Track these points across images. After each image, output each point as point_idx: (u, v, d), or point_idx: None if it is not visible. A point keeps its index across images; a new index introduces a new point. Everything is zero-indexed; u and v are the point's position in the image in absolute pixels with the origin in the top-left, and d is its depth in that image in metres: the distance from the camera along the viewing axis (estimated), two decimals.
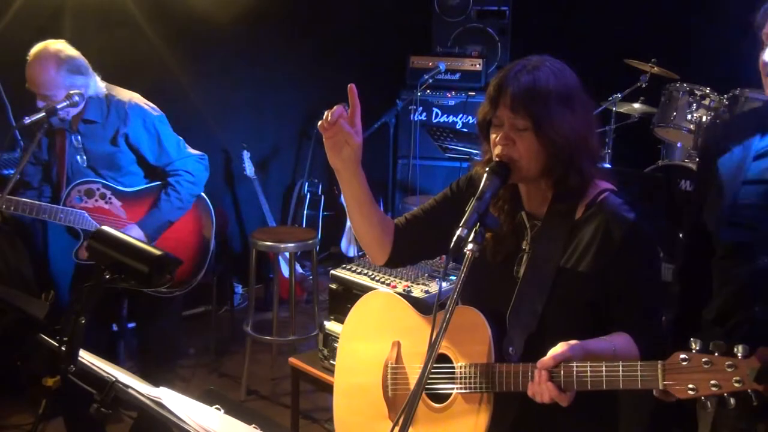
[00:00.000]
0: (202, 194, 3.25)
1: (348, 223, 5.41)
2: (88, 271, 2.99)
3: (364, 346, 2.06)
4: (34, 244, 3.61)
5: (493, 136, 1.76)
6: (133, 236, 2.93)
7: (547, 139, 1.69)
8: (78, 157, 3.03)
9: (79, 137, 3.02)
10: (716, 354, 1.41)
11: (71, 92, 2.93)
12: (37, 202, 2.94)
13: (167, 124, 3.12)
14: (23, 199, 2.89)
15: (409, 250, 2.02)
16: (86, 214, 3.00)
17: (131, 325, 3.98)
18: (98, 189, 3.02)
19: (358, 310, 2.14)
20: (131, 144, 3.03)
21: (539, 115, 1.68)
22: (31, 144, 2.89)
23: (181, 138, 3.17)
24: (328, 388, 2.16)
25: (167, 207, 3.07)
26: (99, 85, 3.04)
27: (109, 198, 3.04)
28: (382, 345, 2.00)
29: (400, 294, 2.07)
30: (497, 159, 1.74)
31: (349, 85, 1.77)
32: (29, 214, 2.91)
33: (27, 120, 2.84)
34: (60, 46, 2.93)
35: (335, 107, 1.77)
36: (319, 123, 1.79)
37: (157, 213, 3.06)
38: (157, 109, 3.12)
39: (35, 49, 2.91)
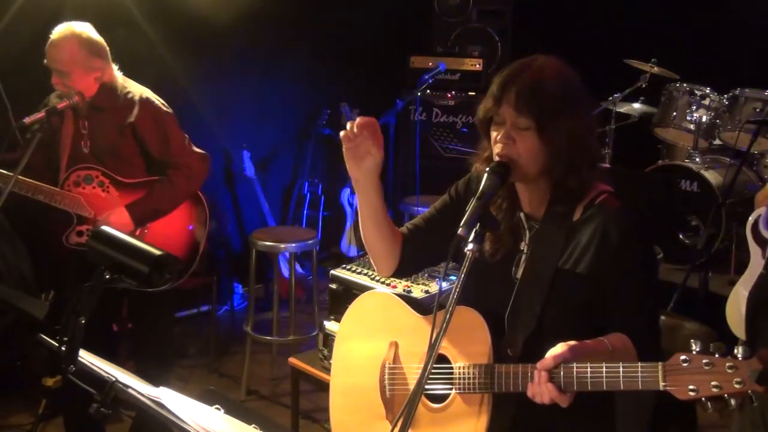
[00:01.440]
0: (200, 193, 3.25)
1: (348, 223, 5.41)
2: (78, 256, 3.00)
3: (361, 346, 2.06)
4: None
5: (493, 134, 1.77)
6: (118, 219, 2.97)
7: (548, 140, 1.70)
8: (82, 142, 3.04)
9: (86, 123, 3.03)
10: (717, 355, 1.41)
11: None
12: (35, 182, 2.94)
13: (175, 121, 3.14)
14: (22, 178, 2.89)
15: (414, 261, 2.04)
16: (82, 200, 3.01)
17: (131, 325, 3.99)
18: (97, 176, 3.03)
19: (354, 310, 2.14)
20: (137, 136, 3.04)
21: (542, 115, 1.68)
22: (31, 143, 2.89)
23: (187, 136, 3.18)
24: (328, 388, 2.15)
25: (158, 195, 3.08)
26: (115, 74, 3.07)
27: (107, 187, 3.04)
28: (379, 345, 1.99)
29: (397, 294, 2.07)
30: (497, 158, 1.74)
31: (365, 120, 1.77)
32: (26, 193, 2.92)
33: (27, 120, 2.85)
34: (85, 27, 2.99)
35: (359, 118, 1.77)
36: (342, 133, 1.79)
37: (147, 199, 3.06)
38: (168, 106, 3.14)
39: (60, 28, 2.95)
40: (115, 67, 3.08)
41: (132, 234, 3.03)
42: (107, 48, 3.04)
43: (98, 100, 3.02)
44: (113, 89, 3.04)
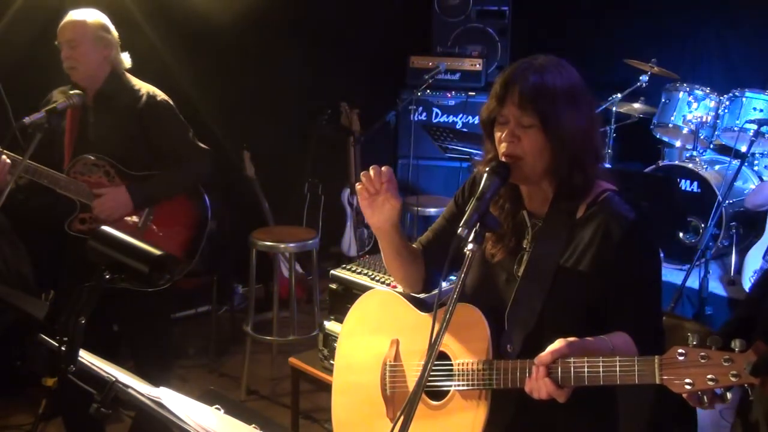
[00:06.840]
0: (201, 190, 3.25)
1: (348, 223, 5.41)
2: (79, 245, 3.00)
3: (363, 344, 2.06)
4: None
5: (497, 134, 1.77)
6: (116, 197, 2.97)
7: (553, 136, 1.70)
8: (89, 131, 3.04)
9: (93, 112, 3.04)
10: (713, 348, 1.41)
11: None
12: (40, 166, 2.94)
13: (179, 115, 3.17)
14: (27, 161, 2.89)
15: (436, 275, 2.05)
16: (86, 187, 3.01)
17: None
18: (104, 166, 3.04)
19: (357, 309, 2.14)
20: (143, 127, 3.05)
21: (547, 111, 1.69)
22: (31, 143, 2.89)
23: (191, 129, 3.20)
24: (328, 388, 2.15)
25: (159, 181, 3.09)
26: (124, 61, 3.12)
27: (113, 177, 3.05)
28: (380, 343, 2.00)
29: (400, 292, 2.08)
30: (502, 156, 1.74)
31: (382, 169, 1.81)
32: (31, 177, 2.92)
33: (27, 120, 2.85)
34: (100, 15, 3.04)
35: (377, 169, 1.80)
36: (358, 186, 1.82)
37: (146, 183, 3.07)
38: (172, 101, 3.18)
39: (76, 12, 3.00)
40: (125, 56, 3.12)
41: (135, 233, 3.04)
42: (117, 36, 3.08)
43: (107, 86, 3.04)
44: (122, 77, 3.09)
